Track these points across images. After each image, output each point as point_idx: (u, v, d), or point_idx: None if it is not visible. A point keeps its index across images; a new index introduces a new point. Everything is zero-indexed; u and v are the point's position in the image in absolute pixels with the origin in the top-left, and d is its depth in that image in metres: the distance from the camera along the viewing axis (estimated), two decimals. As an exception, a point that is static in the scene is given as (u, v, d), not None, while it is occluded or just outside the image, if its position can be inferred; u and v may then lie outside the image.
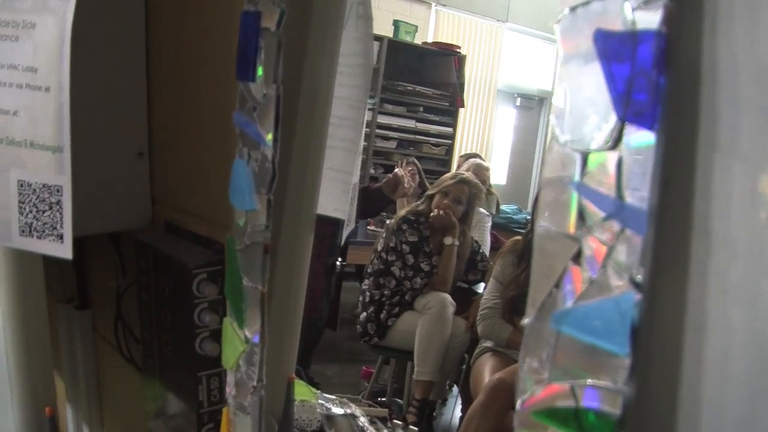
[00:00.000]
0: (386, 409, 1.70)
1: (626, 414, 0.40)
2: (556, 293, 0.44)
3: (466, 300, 3.44)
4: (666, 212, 0.40)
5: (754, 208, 0.39)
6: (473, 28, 7.19)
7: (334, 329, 3.58)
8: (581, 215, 0.43)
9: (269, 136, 0.68)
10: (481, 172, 4.18)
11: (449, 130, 6.68)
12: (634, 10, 0.39)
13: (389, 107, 6.29)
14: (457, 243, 3.33)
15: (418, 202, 3.48)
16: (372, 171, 6.09)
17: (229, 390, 0.77)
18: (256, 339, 0.71)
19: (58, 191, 0.72)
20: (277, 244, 0.86)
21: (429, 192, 3.46)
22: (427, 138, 6.55)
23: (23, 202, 0.74)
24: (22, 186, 0.73)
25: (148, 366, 1.07)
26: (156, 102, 1.05)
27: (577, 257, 0.43)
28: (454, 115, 6.68)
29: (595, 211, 0.42)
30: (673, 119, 0.40)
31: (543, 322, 0.45)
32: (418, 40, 6.58)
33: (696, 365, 0.41)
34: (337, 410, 1.38)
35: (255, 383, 0.72)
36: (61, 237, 0.73)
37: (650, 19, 0.39)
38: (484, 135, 7.46)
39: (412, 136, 6.46)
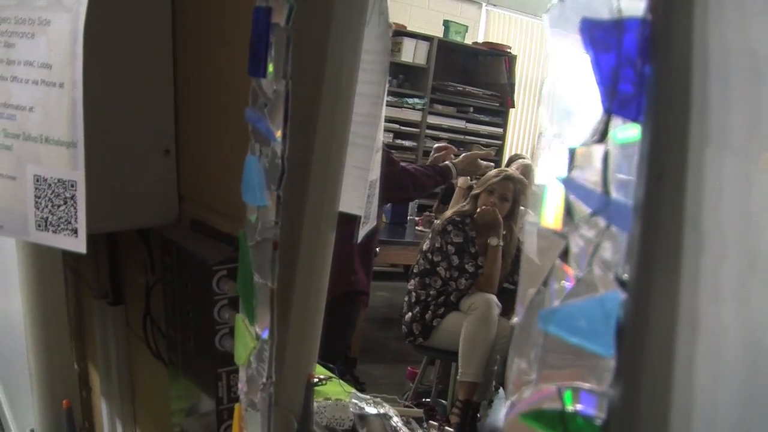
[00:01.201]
0: (421, 410, 1.70)
1: (612, 417, 0.39)
2: (544, 291, 0.43)
3: (511, 301, 3.38)
4: (657, 208, 0.39)
5: (746, 203, 0.37)
6: (524, 28, 7.13)
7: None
8: (569, 211, 0.41)
9: (279, 133, 0.68)
10: (529, 171, 4.14)
11: (499, 130, 6.65)
12: (621, -4, 0.38)
13: (439, 107, 6.29)
14: (502, 244, 3.30)
15: (464, 203, 3.46)
16: (422, 171, 6.08)
17: (241, 386, 0.77)
18: (266, 335, 0.71)
19: (72, 186, 0.73)
20: (299, 241, 0.86)
21: (474, 191, 3.43)
22: (477, 138, 6.52)
23: (39, 197, 0.75)
24: (38, 181, 0.74)
25: (173, 362, 1.08)
26: (183, 100, 1.06)
27: (566, 254, 0.42)
28: (504, 115, 6.65)
29: (582, 207, 0.40)
30: (664, 111, 0.38)
31: (531, 321, 0.43)
32: (468, 40, 6.56)
33: (688, 367, 0.39)
34: (371, 410, 1.38)
35: (264, 380, 0.72)
36: (75, 231, 0.74)
37: (638, 7, 0.37)
38: (535, 135, 7.35)
39: (462, 137, 6.45)
